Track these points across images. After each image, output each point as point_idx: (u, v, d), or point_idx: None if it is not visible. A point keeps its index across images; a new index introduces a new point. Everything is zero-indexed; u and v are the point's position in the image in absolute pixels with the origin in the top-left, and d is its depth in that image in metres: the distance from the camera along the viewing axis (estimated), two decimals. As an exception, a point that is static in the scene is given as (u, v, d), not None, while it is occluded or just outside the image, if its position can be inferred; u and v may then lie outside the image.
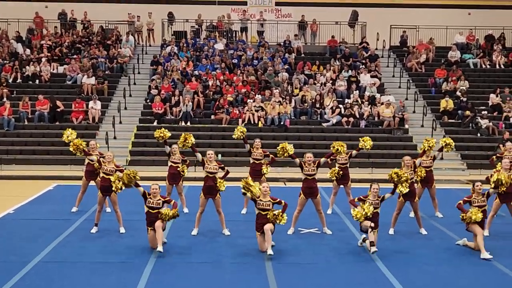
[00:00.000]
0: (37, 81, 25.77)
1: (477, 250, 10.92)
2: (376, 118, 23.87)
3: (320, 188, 12.42)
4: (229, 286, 9.31)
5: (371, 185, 11.08)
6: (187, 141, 12.12)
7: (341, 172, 13.64)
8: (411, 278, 9.68)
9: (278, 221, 10.72)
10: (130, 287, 9.09)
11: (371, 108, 24.11)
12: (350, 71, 26.55)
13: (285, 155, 12.02)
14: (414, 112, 24.65)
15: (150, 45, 29.66)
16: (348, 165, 13.94)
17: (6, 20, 29.84)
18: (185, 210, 13.84)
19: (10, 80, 25.66)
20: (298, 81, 25.30)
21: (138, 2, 31.11)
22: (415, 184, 12.80)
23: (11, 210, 14.23)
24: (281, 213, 10.76)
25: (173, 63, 26.25)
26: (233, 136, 13.75)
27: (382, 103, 24.06)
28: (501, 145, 20.57)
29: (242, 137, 13.51)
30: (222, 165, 12.13)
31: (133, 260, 10.42)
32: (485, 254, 10.68)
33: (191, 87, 24.45)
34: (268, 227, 10.63)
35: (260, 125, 23.20)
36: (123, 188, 11.04)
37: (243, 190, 10.83)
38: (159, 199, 10.82)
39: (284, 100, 23.95)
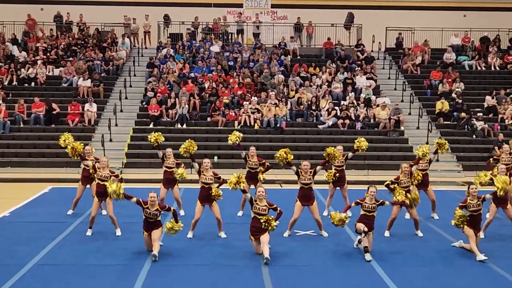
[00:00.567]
0: (32, 84, 25.73)
1: (473, 252, 10.93)
2: (372, 120, 23.90)
3: (316, 190, 12.42)
4: (226, 288, 9.30)
5: (368, 188, 11.05)
6: (191, 147, 12.12)
7: (337, 174, 13.62)
8: (407, 280, 9.70)
9: (269, 227, 10.65)
10: (126, 290, 9.07)
11: (367, 110, 24.14)
12: (346, 73, 26.56)
13: (284, 162, 12.09)
14: (409, 114, 24.70)
15: (146, 48, 29.68)
16: (344, 168, 13.95)
17: (1, 23, 29.85)
18: (182, 212, 13.83)
19: (6, 83, 25.61)
20: (294, 83, 25.31)
21: (134, 5, 31.09)
22: (411, 187, 12.82)
23: (7, 213, 14.20)
24: (274, 220, 10.71)
25: (169, 66, 26.24)
26: (229, 143, 13.71)
27: (378, 105, 24.10)
28: (496, 147, 20.62)
29: (237, 143, 13.47)
30: (218, 176, 12.06)
31: (129, 262, 10.43)
32: (480, 256, 10.70)
33: (187, 89, 24.44)
34: (265, 240, 10.59)
35: (256, 127, 23.19)
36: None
37: (233, 186, 10.81)
38: (157, 209, 10.71)
39: (280, 102, 23.95)
